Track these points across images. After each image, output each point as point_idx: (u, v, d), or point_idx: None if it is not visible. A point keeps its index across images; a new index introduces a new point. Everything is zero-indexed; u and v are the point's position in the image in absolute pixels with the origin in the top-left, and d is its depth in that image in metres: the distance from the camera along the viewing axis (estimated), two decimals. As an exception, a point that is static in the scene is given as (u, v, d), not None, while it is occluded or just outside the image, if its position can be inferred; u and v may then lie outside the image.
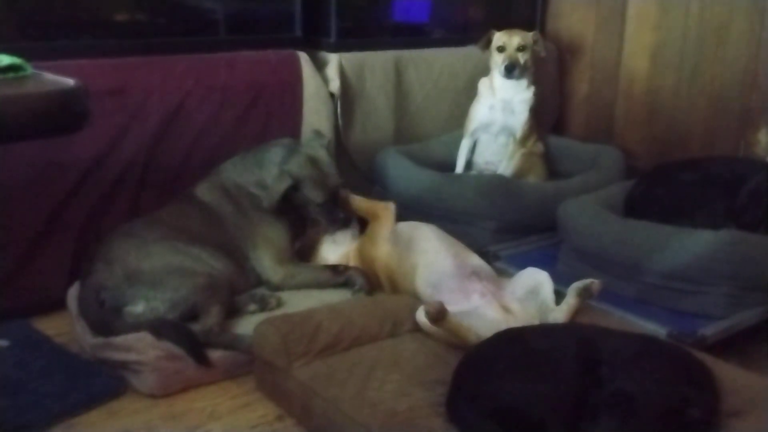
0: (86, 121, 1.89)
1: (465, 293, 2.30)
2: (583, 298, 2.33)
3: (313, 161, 2.67)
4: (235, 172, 2.73)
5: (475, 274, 2.38)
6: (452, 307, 2.18)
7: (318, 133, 2.83)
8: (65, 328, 2.52)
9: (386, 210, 2.72)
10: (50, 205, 2.65)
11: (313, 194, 2.66)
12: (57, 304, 2.58)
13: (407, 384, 2.00)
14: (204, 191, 2.71)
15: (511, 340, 1.99)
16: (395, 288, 2.57)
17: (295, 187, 2.64)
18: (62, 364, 2.33)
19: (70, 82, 1.80)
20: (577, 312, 2.33)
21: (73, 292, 2.51)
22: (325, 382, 2.04)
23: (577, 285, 2.33)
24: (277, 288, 2.64)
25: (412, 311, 2.27)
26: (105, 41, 2.89)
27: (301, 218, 2.77)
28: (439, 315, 2.10)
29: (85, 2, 2.92)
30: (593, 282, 2.32)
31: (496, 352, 1.95)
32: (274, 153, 2.70)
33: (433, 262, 2.44)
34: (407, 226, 2.65)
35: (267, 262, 2.66)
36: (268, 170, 2.67)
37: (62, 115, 1.80)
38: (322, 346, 2.17)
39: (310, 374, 2.08)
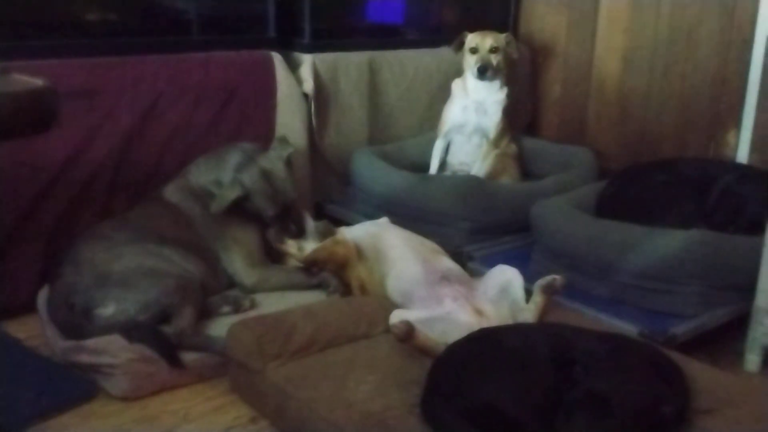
0: (55, 122, 1.86)
1: (436, 299, 2.27)
2: (549, 294, 2.32)
3: (266, 174, 2.68)
4: (200, 173, 2.74)
5: (445, 278, 2.36)
6: (424, 313, 2.18)
7: (282, 142, 2.83)
8: (36, 331, 2.49)
9: (342, 246, 2.64)
10: (20, 207, 2.61)
11: (263, 207, 2.68)
12: (27, 307, 2.54)
13: (382, 384, 1.99)
14: (172, 192, 2.71)
15: (485, 339, 1.99)
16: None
17: (245, 198, 2.65)
18: (33, 368, 2.30)
19: (38, 82, 1.78)
20: (551, 312, 2.33)
21: (43, 295, 2.48)
22: (300, 384, 2.03)
23: (541, 282, 2.33)
24: (251, 290, 2.63)
25: (387, 312, 2.25)
26: (76, 41, 2.85)
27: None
28: (406, 335, 2.08)
29: (56, 1, 2.88)
30: (556, 278, 2.32)
31: (470, 352, 1.95)
32: (232, 156, 2.72)
33: (402, 271, 2.43)
34: (370, 236, 2.62)
35: (239, 264, 2.66)
36: (224, 172, 2.69)
37: (30, 115, 1.78)
38: (297, 347, 2.15)
39: (284, 375, 2.07)
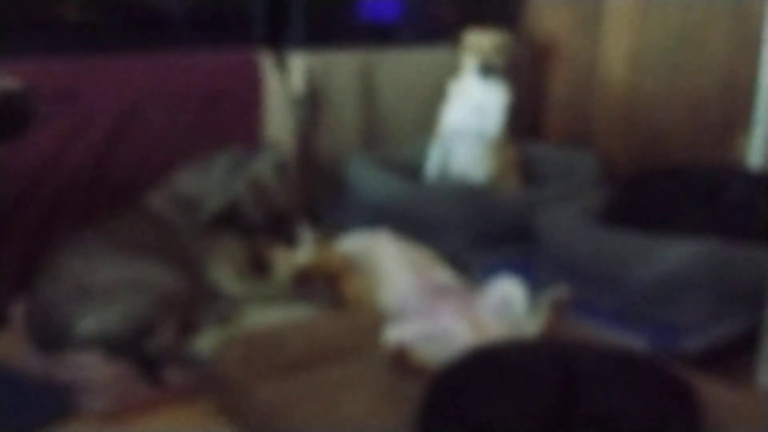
0: (31, 125, 1.84)
1: (432, 314, 2.23)
2: (554, 308, 2.28)
3: (255, 182, 2.66)
4: (185, 181, 2.70)
5: (441, 291, 2.33)
6: (419, 328, 2.15)
7: (271, 148, 2.82)
8: (11, 344, 2.42)
9: (338, 261, 2.64)
10: (-6, 215, 2.58)
11: (253, 216, 2.66)
12: (2, 320, 2.49)
13: (377, 402, 1.97)
14: (155, 201, 2.66)
15: (486, 355, 1.95)
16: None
17: (234, 207, 2.62)
18: (8, 384, 2.26)
19: (12, 84, 1.76)
20: (554, 325, 2.28)
21: (19, 308, 2.43)
22: (290, 402, 1.99)
23: (546, 295, 2.29)
24: (238, 303, 2.59)
25: (381, 326, 2.22)
26: (54, 41, 2.81)
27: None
28: (399, 359, 2.07)
29: (33, -1, 2.87)
30: (562, 290, 2.29)
31: (469, 368, 1.91)
32: (220, 164, 2.69)
33: (396, 286, 2.40)
34: (363, 248, 2.62)
35: (226, 275, 2.63)
36: (211, 181, 2.66)
37: (5, 119, 1.77)
38: (287, 363, 2.14)
39: (273, 393, 2.04)
